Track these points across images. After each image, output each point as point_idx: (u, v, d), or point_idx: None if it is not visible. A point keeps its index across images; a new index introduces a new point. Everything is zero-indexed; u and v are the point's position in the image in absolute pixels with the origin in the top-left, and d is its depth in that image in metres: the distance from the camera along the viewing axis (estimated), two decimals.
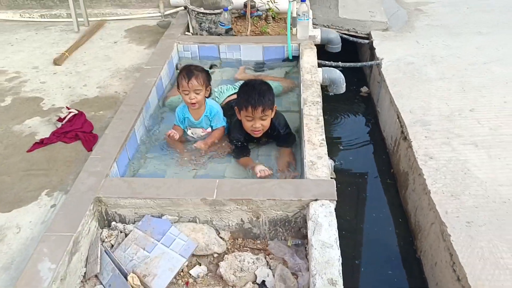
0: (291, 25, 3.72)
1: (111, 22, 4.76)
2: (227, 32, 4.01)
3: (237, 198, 2.13)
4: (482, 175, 2.54)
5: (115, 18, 4.80)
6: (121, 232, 2.21)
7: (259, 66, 3.78)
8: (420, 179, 2.63)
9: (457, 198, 2.39)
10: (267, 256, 2.12)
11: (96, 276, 2.03)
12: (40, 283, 1.78)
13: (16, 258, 2.06)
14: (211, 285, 2.00)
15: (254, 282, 1.98)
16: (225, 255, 2.09)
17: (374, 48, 4.16)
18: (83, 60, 3.95)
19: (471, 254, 2.08)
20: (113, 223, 2.26)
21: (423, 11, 5.05)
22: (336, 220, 1.98)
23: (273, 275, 1.98)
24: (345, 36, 4.43)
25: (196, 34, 4.10)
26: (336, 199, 2.09)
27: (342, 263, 1.82)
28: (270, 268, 2.02)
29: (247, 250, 2.17)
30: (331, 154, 2.42)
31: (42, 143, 2.83)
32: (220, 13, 3.97)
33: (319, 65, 3.50)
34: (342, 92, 3.54)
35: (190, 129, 2.89)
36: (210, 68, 3.67)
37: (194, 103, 2.72)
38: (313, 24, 4.24)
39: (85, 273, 2.05)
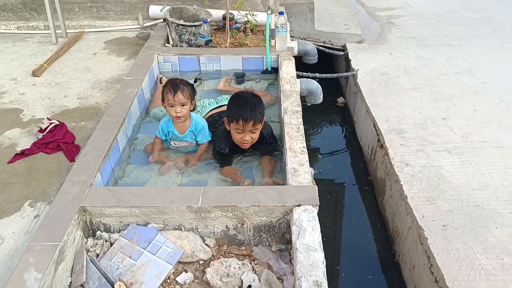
0: (269, 37, 3.79)
1: (90, 34, 4.75)
2: (207, 43, 4.07)
3: (222, 205, 2.16)
4: (456, 180, 2.65)
5: (93, 30, 4.80)
6: (106, 241, 2.22)
7: (240, 79, 3.84)
8: (397, 185, 2.71)
9: (432, 202, 2.49)
10: (252, 262, 2.15)
11: (82, 285, 2.03)
12: None
13: (1, 269, 2.04)
14: None
15: (240, 287, 2.01)
16: (211, 262, 2.12)
17: (350, 60, 4.29)
18: (63, 72, 3.93)
19: (448, 256, 2.16)
20: (98, 232, 2.26)
21: (395, 24, 5.24)
22: (319, 224, 2.03)
23: (259, 280, 2.02)
24: (321, 48, 4.55)
25: (176, 45, 4.15)
26: (319, 204, 2.15)
27: None
28: (255, 273, 2.06)
29: (232, 256, 2.20)
30: (310, 163, 2.47)
31: (23, 154, 2.80)
32: (200, 25, 4.03)
33: (297, 76, 3.58)
34: (319, 102, 3.62)
35: (173, 141, 2.90)
36: (195, 82, 3.70)
37: (180, 117, 2.71)
38: (290, 36, 4.34)
39: (70, 282, 2.05)
